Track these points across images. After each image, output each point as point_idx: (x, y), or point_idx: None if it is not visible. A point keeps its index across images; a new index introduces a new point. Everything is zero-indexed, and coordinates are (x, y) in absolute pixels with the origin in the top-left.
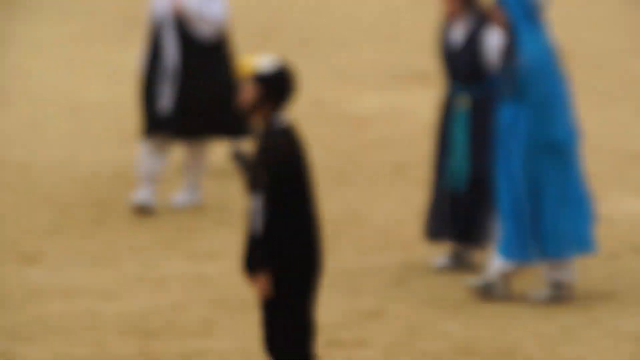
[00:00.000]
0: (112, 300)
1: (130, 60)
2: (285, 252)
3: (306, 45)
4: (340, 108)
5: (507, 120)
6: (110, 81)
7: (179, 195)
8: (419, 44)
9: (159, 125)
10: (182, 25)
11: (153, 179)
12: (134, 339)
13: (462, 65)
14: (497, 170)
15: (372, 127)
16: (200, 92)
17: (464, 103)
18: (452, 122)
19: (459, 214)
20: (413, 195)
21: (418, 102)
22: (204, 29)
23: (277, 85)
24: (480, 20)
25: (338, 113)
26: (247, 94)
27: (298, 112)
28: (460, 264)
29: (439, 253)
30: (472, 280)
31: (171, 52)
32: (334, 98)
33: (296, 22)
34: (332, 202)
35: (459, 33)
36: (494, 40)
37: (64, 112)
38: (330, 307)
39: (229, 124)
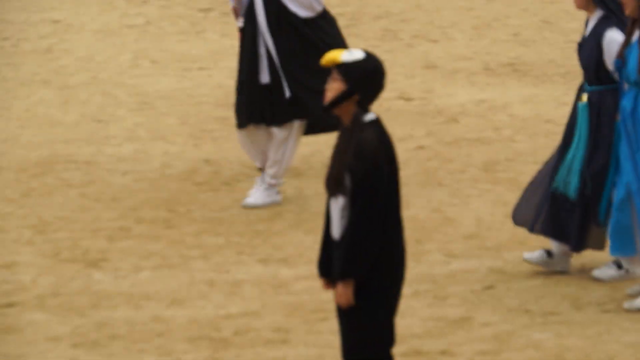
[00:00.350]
0: (181, 306)
1: (203, 51)
2: (368, 259)
3: (391, 34)
4: (427, 102)
5: (629, 108)
6: (181, 73)
7: (253, 195)
8: (514, 33)
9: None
10: (276, 6)
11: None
12: (204, 347)
13: (583, 61)
14: (623, 167)
15: (462, 122)
16: (301, 77)
17: (583, 99)
18: (573, 120)
19: (568, 219)
20: (504, 197)
21: (512, 96)
22: (297, 10)
23: (364, 79)
24: (608, 15)
25: (425, 108)
26: (332, 86)
27: (382, 107)
28: (551, 264)
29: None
30: (630, 289)
31: (265, 33)
32: (421, 92)
33: (380, 9)
34: (417, 202)
35: (589, 27)
36: (610, 39)
37: (132, 105)
38: (414, 315)
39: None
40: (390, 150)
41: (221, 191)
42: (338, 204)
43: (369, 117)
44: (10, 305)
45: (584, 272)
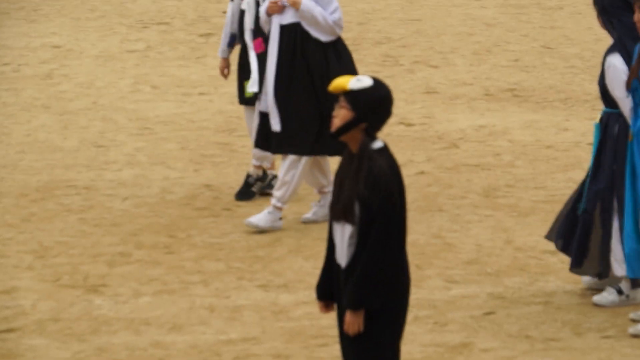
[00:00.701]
0: (181, 332)
1: (203, 76)
2: (382, 289)
3: (392, 60)
4: (428, 128)
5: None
6: (181, 98)
7: (257, 215)
8: (514, 58)
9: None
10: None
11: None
12: None
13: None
14: (635, 186)
15: (462, 148)
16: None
17: (597, 119)
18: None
19: (579, 235)
20: (504, 222)
21: (513, 122)
22: (319, 36)
23: (371, 107)
24: (618, 40)
25: (426, 133)
26: (339, 113)
27: (383, 132)
28: (604, 284)
29: (527, 284)
30: (634, 314)
31: (271, 61)
32: (421, 117)
33: (380, 35)
34: (418, 228)
35: None
36: (609, 64)
37: (132, 130)
38: (414, 341)
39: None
40: (400, 178)
41: (221, 217)
42: (346, 232)
43: (377, 144)
44: (10, 330)
45: (585, 298)
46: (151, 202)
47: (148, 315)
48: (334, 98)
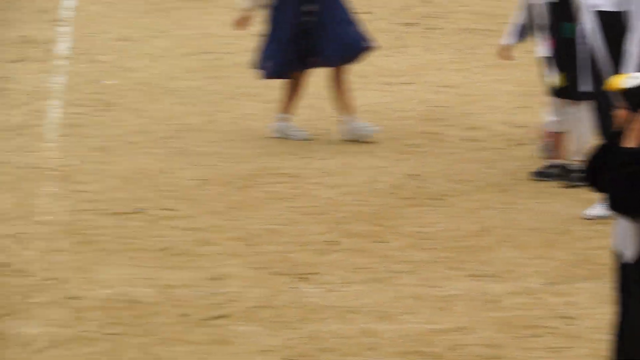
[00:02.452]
0: (390, 321)
1: (403, 65)
2: None
3: None
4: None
5: None
6: (383, 87)
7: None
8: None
9: None
10: None
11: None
12: None
13: None
14: None
15: None
16: None
17: None
18: None
19: None
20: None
21: None
22: None
23: None
24: None
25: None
26: (620, 114)
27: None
28: None
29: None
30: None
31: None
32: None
33: None
34: None
35: None
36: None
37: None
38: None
39: None
40: None
41: (426, 206)
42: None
43: None
44: (220, 317)
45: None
46: (356, 191)
47: (356, 304)
48: None
